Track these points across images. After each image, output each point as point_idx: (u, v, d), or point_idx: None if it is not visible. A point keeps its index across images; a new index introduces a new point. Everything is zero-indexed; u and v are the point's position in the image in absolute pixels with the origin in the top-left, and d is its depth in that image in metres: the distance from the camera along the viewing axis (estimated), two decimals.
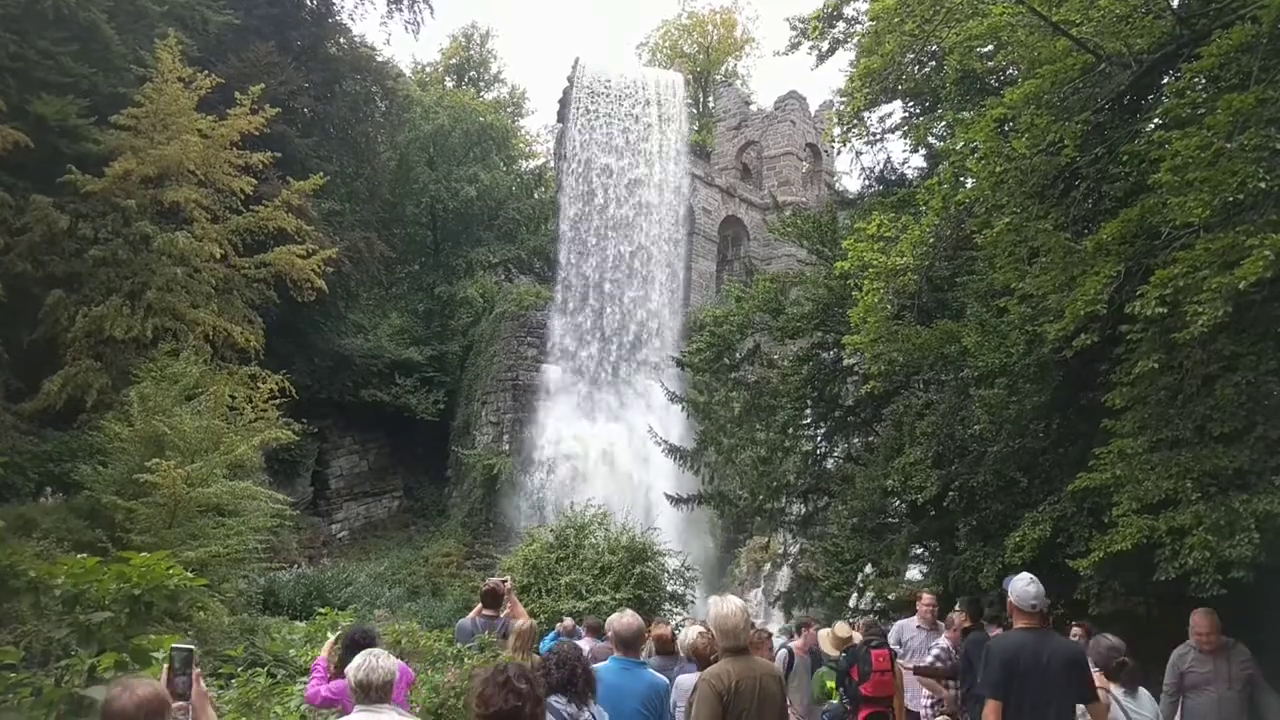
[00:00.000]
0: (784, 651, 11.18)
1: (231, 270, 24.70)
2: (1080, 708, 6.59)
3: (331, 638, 7.86)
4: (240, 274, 25.05)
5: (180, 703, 4.20)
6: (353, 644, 5.95)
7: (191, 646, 4.43)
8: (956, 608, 11.40)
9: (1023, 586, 6.62)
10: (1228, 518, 9.03)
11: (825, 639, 11.02)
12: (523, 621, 9.47)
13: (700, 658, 7.39)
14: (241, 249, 25.09)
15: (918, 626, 11.58)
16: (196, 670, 4.37)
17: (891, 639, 10.27)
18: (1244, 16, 8.19)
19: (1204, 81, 8.76)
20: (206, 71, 24.69)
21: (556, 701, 5.63)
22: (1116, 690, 7.63)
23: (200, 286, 23.67)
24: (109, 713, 3.65)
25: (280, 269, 25.66)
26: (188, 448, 17.45)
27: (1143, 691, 7.97)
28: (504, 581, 10.52)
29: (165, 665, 4.36)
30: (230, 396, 21.02)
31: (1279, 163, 7.34)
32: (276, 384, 23.36)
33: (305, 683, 9.48)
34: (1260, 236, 7.16)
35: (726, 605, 5.68)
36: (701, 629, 9.64)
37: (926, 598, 11.99)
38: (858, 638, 10.49)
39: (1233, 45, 7.80)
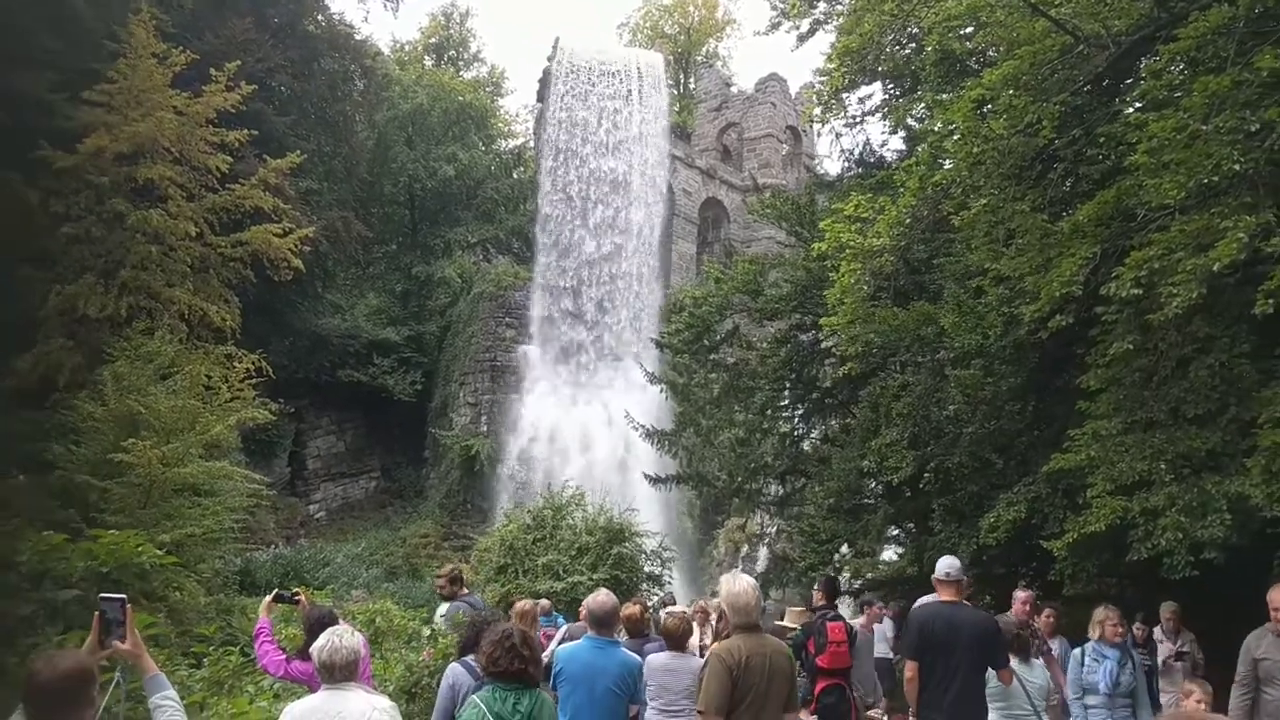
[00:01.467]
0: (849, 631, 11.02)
1: (207, 249, 24.44)
2: (991, 673, 7.68)
3: (268, 598, 7.75)
4: (216, 253, 24.80)
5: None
6: (318, 625, 5.91)
7: (122, 596, 4.38)
8: (815, 587, 11.44)
9: (946, 561, 7.94)
10: (1200, 499, 9.10)
11: (789, 614, 11.32)
12: (524, 602, 9.83)
13: (669, 638, 7.41)
14: (218, 227, 24.82)
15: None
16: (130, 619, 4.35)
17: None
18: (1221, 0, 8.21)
19: (1181, 64, 8.76)
20: (181, 48, 24.36)
21: (465, 661, 6.55)
22: (1015, 660, 8.14)
23: (175, 265, 23.41)
24: (32, 687, 3.61)
25: (257, 248, 25.40)
26: (163, 427, 17.30)
27: (1036, 661, 8.76)
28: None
29: (96, 618, 4.31)
30: (206, 376, 20.82)
31: (1254, 145, 7.35)
32: (253, 364, 23.16)
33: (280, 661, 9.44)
34: (1234, 219, 7.18)
35: (739, 583, 5.76)
36: (673, 609, 9.72)
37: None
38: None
39: (1210, 27, 7.80)
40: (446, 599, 10.97)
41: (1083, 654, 8.64)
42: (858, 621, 11.56)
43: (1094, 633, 8.68)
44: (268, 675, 8.59)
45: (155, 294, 22.59)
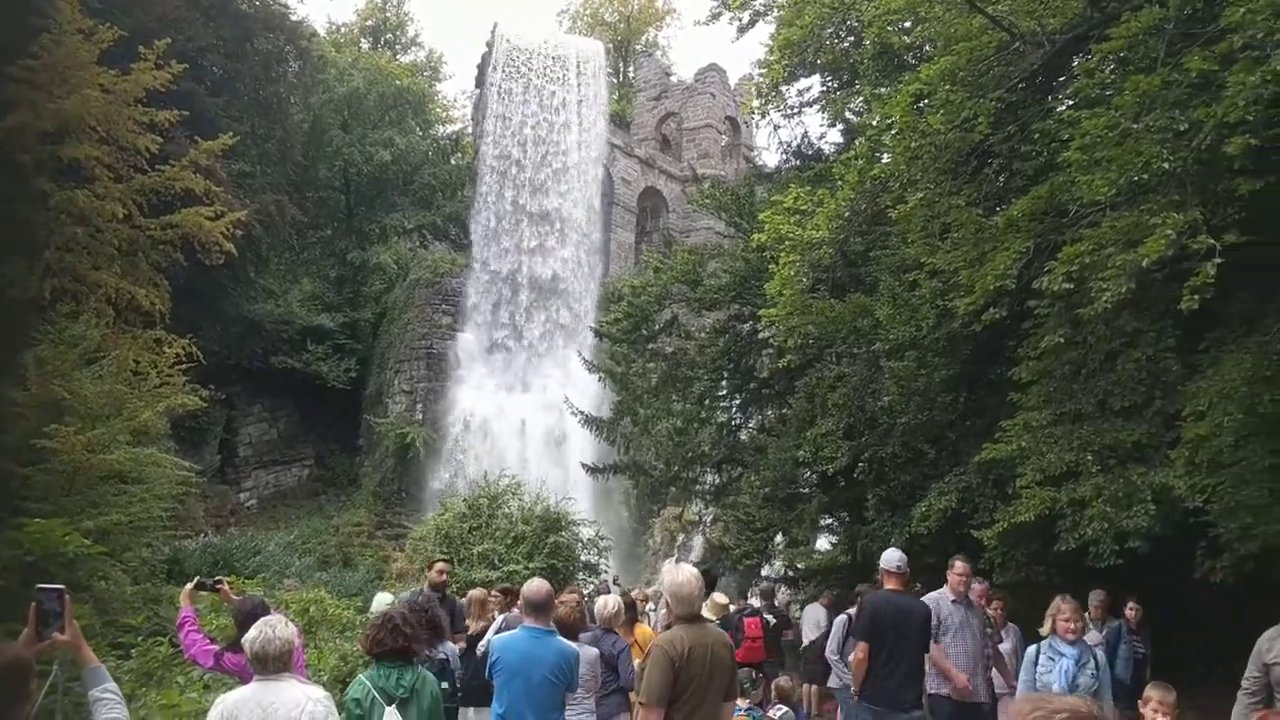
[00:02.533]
0: (844, 616, 10.79)
1: (136, 231, 23.85)
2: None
3: (190, 585, 7.60)
4: (145, 235, 24.21)
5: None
6: (249, 617, 5.88)
7: (60, 586, 4.27)
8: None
9: (892, 553, 8.72)
10: (1125, 490, 9.32)
11: (706, 607, 11.30)
12: (477, 590, 10.53)
13: (560, 626, 7.30)
14: (147, 209, 24.23)
15: (953, 601, 9.02)
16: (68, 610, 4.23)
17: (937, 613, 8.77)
18: (1152, 1, 8.37)
19: (1113, 64, 8.93)
20: (109, 24, 23.74)
21: None
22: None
23: (102, 247, 22.82)
24: None
25: (187, 231, 24.85)
26: (88, 413, 16.91)
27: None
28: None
29: (32, 609, 4.19)
30: (134, 361, 20.38)
31: (1182, 145, 7.51)
32: (183, 349, 22.70)
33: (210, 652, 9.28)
34: (1163, 216, 7.34)
35: (682, 573, 5.74)
36: (606, 598, 9.73)
37: (959, 566, 9.07)
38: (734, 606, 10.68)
39: (1141, 28, 7.95)
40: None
41: (1037, 652, 7.75)
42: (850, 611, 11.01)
43: (1047, 627, 7.79)
44: (197, 666, 8.45)
45: (81, 277, 22.02)
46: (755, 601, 15.20)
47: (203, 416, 29.99)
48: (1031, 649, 7.86)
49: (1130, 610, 10.44)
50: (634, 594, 13.50)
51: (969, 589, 9.21)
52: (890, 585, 8.47)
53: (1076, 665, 7.56)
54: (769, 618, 13.84)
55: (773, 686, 10.62)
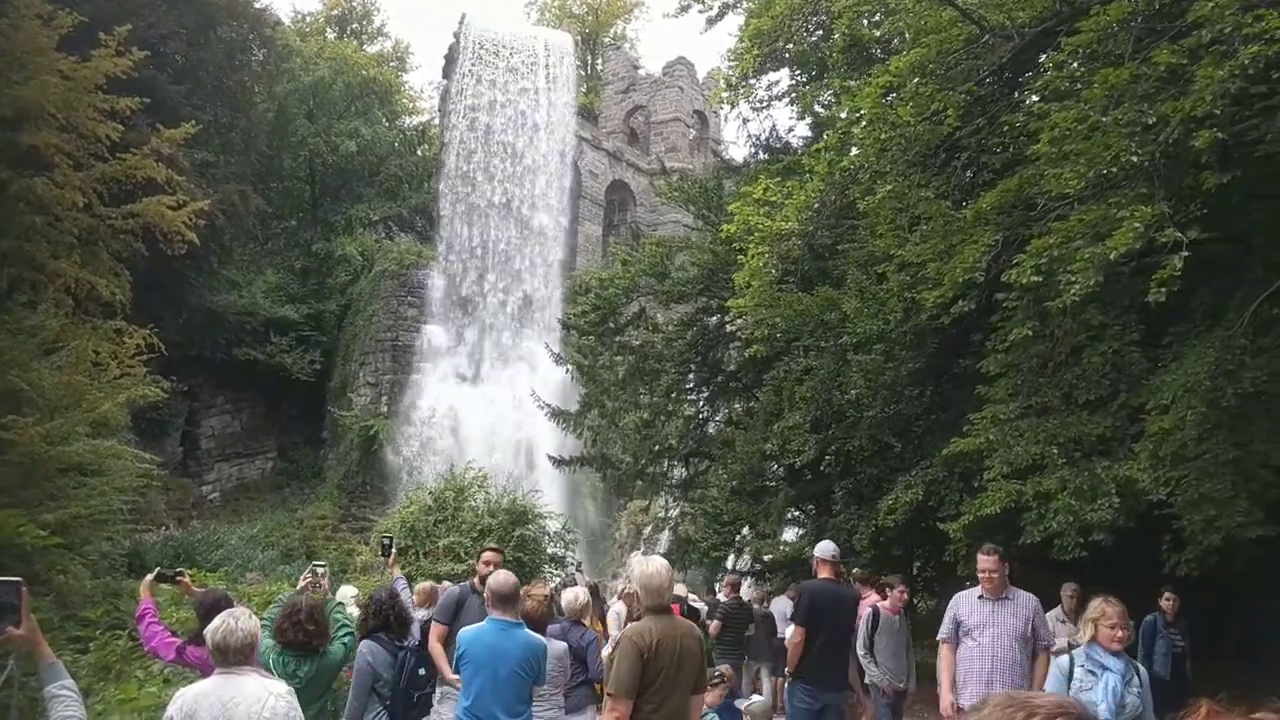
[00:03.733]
0: (869, 611, 10.64)
1: (96, 220, 23.50)
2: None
3: (149, 576, 7.48)
4: (106, 224, 23.86)
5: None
6: (212, 609, 5.83)
7: (18, 579, 4.15)
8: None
9: (826, 545, 9.16)
10: (1090, 483, 9.37)
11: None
12: (428, 583, 11.03)
13: (529, 620, 7.28)
14: (107, 198, 23.88)
15: (980, 597, 7.75)
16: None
17: (951, 615, 7.88)
18: None
19: (1082, 57, 8.96)
20: (68, 9, 23.37)
21: (379, 638, 7.17)
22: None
23: (61, 236, 22.47)
24: None
25: (149, 220, 24.50)
26: (46, 404, 16.65)
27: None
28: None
29: None
30: (94, 352, 20.09)
31: (1150, 139, 7.55)
32: (144, 339, 22.40)
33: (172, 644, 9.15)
34: (1131, 209, 7.36)
35: (652, 564, 5.72)
36: (574, 589, 9.69)
37: (986, 561, 7.63)
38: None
39: (1110, 21, 7.97)
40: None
41: (1070, 665, 6.42)
42: (885, 604, 10.38)
43: (1086, 634, 6.42)
44: (157, 660, 8.31)
45: (39, 266, 21.66)
46: (722, 595, 15.24)
47: (164, 408, 29.68)
48: (1063, 660, 6.55)
49: (1166, 601, 9.99)
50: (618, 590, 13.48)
51: (1002, 580, 7.60)
52: (824, 574, 8.94)
53: (1123, 682, 6.21)
54: (698, 606, 14.01)
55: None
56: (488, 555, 8.74)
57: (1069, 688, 6.28)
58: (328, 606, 7.19)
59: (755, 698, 8.51)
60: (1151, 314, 9.11)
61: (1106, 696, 6.11)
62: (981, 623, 7.50)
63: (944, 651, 7.81)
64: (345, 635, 6.87)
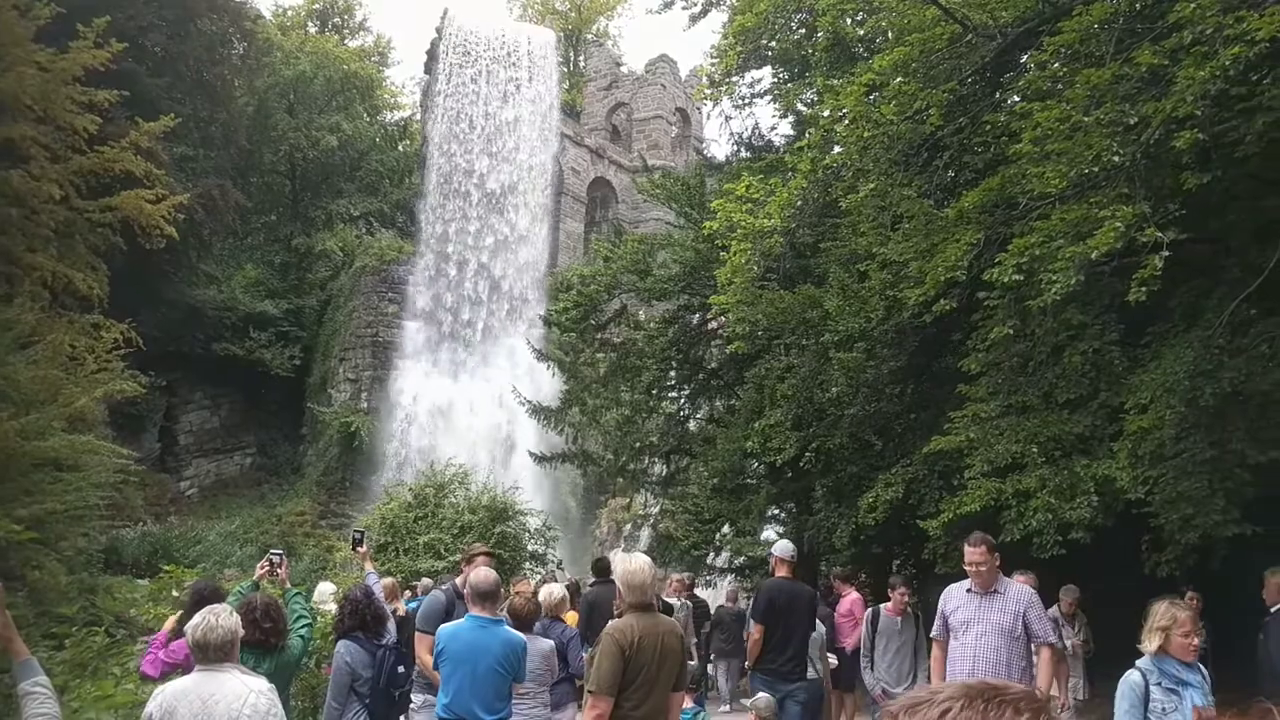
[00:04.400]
0: (869, 612, 10.63)
1: (73, 213, 23.31)
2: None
3: (173, 617, 7.49)
4: (83, 217, 23.67)
5: None
6: (200, 599, 5.84)
7: None
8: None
9: (784, 544, 9.49)
10: (1069, 481, 9.41)
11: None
12: (388, 579, 10.92)
13: (515, 618, 7.29)
14: (85, 191, 23.68)
15: (968, 591, 7.23)
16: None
17: (940, 611, 7.43)
18: None
19: (1063, 57, 9.00)
20: (47, 1, 23.18)
21: (356, 638, 7.14)
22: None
23: (38, 229, 22.27)
24: None
25: (127, 214, 24.32)
26: (21, 399, 16.48)
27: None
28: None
29: None
30: (70, 346, 19.92)
31: (1131, 139, 7.59)
32: (121, 334, 22.23)
33: (148, 643, 9.09)
34: (1112, 209, 7.40)
35: (634, 561, 5.73)
36: (551, 587, 9.76)
37: (972, 552, 7.06)
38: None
39: (1093, 21, 8.01)
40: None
41: (1145, 682, 5.39)
42: (886, 606, 10.28)
43: (1151, 643, 5.42)
44: (134, 657, 8.28)
45: (15, 259, 21.46)
46: (674, 599, 15.27)
47: (142, 403, 29.51)
48: (1134, 676, 5.47)
49: (1189, 599, 9.09)
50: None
51: (991, 573, 7.03)
52: (781, 572, 9.26)
53: (1205, 695, 5.41)
54: (672, 602, 14.11)
55: None
56: (481, 561, 8.03)
57: (1145, 713, 5.40)
58: (286, 597, 7.19)
59: (761, 694, 8.51)
60: (1131, 313, 9.16)
61: (1189, 716, 5.33)
62: (967, 619, 7.02)
63: (935, 651, 7.43)
64: (303, 627, 6.89)
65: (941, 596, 7.44)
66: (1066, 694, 9.79)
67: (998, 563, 7.01)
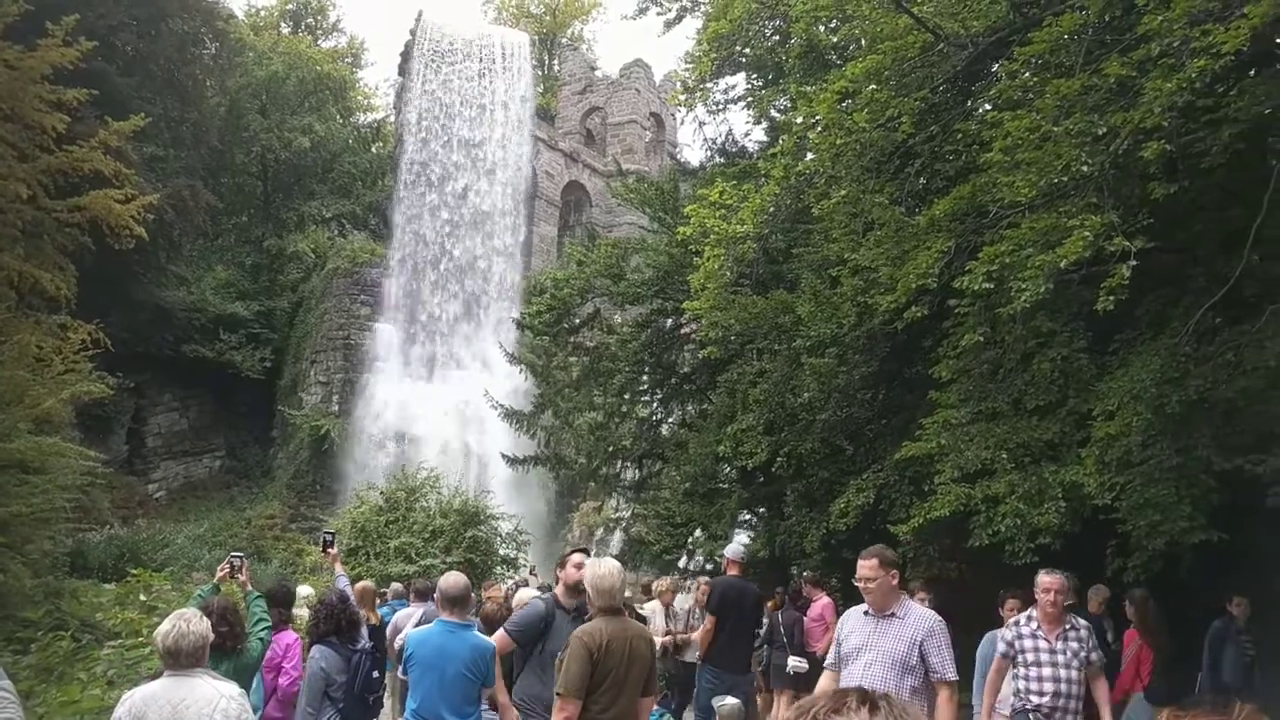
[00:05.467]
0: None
1: (41, 213, 23.01)
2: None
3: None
4: (51, 217, 23.38)
5: None
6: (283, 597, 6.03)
7: None
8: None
9: (734, 546, 10.89)
10: (1038, 487, 9.47)
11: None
12: (363, 583, 11.05)
13: (486, 622, 7.32)
14: (53, 191, 23.40)
15: (865, 613, 6.25)
16: None
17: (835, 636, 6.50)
18: (1073, 6, 8.54)
19: (1034, 67, 9.09)
20: None
21: (330, 643, 7.15)
22: None
23: (5, 229, 21.97)
24: None
25: (96, 214, 24.04)
26: None
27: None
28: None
29: None
30: (37, 347, 19.69)
31: (1100, 149, 7.67)
32: (89, 335, 21.99)
33: (113, 647, 9.02)
34: (1081, 218, 7.48)
35: (604, 565, 5.77)
36: (499, 601, 9.83)
37: (863, 566, 6.10)
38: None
39: (1062, 31, 8.10)
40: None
41: None
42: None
43: None
44: (100, 662, 8.22)
45: None
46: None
47: (110, 405, 29.26)
48: None
49: (1236, 606, 9.31)
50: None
51: (885, 592, 6.02)
52: (732, 571, 10.26)
53: None
54: (642, 612, 14.12)
55: None
56: (577, 558, 7.11)
57: None
58: (247, 600, 7.21)
59: (728, 699, 8.51)
60: (1099, 321, 9.26)
61: None
62: (858, 646, 6.00)
63: (825, 682, 6.33)
64: (263, 630, 6.92)
65: (840, 619, 6.53)
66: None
67: (895, 580, 6.00)
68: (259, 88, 45.75)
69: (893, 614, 5.95)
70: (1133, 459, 8.70)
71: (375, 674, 7.38)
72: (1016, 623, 7.24)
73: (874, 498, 12.12)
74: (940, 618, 5.99)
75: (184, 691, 4.58)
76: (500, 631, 6.85)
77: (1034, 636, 7.03)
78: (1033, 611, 7.14)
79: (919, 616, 5.98)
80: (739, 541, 12.77)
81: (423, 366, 40.27)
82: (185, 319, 38.64)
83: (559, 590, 7.05)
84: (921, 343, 12.13)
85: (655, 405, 20.97)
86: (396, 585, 14.71)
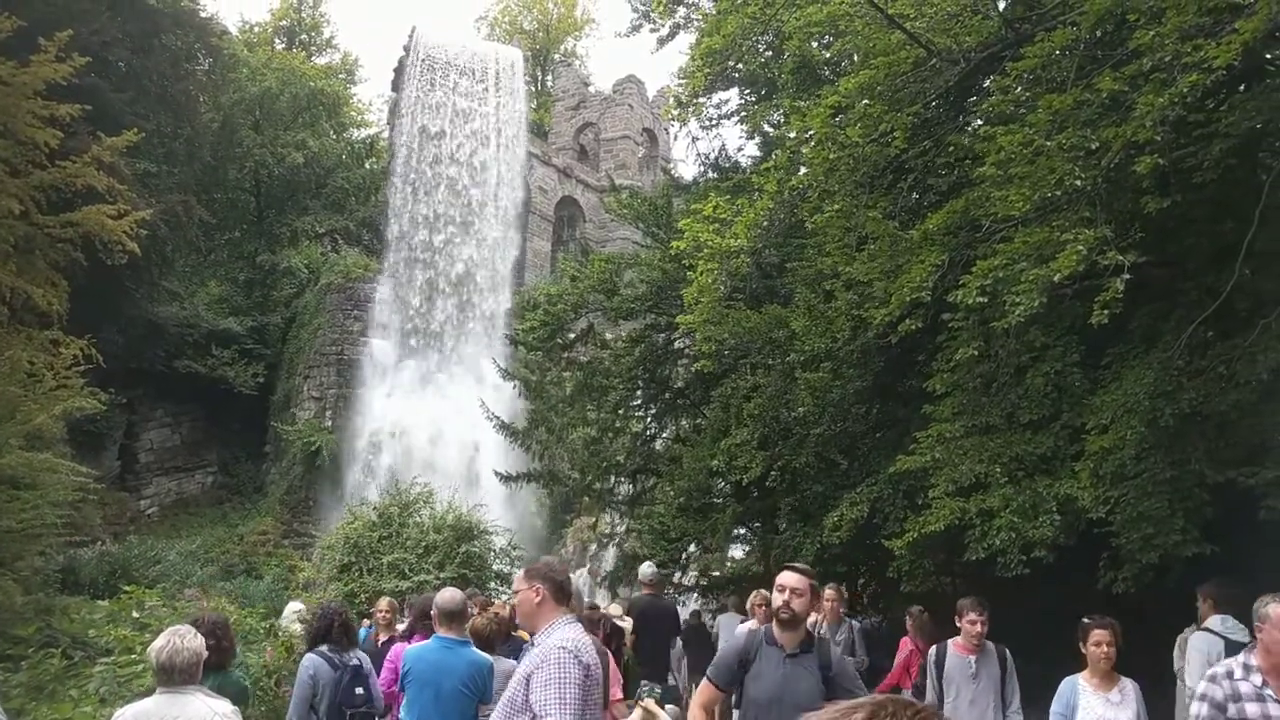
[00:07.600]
0: (934, 651, 9.22)
1: (34, 228, 23.02)
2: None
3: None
4: (43, 232, 23.38)
5: None
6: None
7: None
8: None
9: (646, 569, 12.77)
10: (1032, 500, 9.49)
11: None
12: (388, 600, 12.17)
13: (477, 638, 7.24)
14: (45, 206, 23.42)
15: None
16: None
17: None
18: (1065, 22, 8.59)
19: (1026, 82, 9.14)
20: (7, 13, 22.95)
21: (321, 651, 7.24)
22: None
23: None
24: None
25: (88, 229, 24.06)
26: None
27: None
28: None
29: None
30: (29, 362, 19.66)
31: (1093, 163, 7.71)
32: (81, 350, 21.97)
33: (105, 664, 8.97)
34: (1074, 232, 7.51)
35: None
36: (489, 616, 9.72)
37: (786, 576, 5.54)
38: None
39: (1054, 47, 8.15)
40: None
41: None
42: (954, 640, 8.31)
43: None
44: (92, 679, 8.16)
45: None
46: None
47: (102, 421, 29.17)
48: None
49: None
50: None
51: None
52: (647, 591, 12.05)
53: None
54: (623, 625, 14.33)
55: None
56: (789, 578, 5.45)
57: None
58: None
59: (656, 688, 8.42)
60: (1092, 335, 9.28)
61: None
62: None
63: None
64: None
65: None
66: None
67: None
68: (252, 103, 45.74)
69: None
70: (1127, 472, 8.72)
71: (359, 690, 7.33)
72: (1229, 674, 4.93)
73: (868, 511, 12.10)
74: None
75: (177, 709, 4.55)
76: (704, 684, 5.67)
77: (1259, 699, 4.75)
78: (1249, 659, 4.94)
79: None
80: (649, 566, 13.38)
81: (416, 381, 40.19)
82: (178, 334, 38.52)
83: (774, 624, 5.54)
84: (915, 357, 12.15)
85: (649, 420, 20.93)
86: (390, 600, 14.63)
